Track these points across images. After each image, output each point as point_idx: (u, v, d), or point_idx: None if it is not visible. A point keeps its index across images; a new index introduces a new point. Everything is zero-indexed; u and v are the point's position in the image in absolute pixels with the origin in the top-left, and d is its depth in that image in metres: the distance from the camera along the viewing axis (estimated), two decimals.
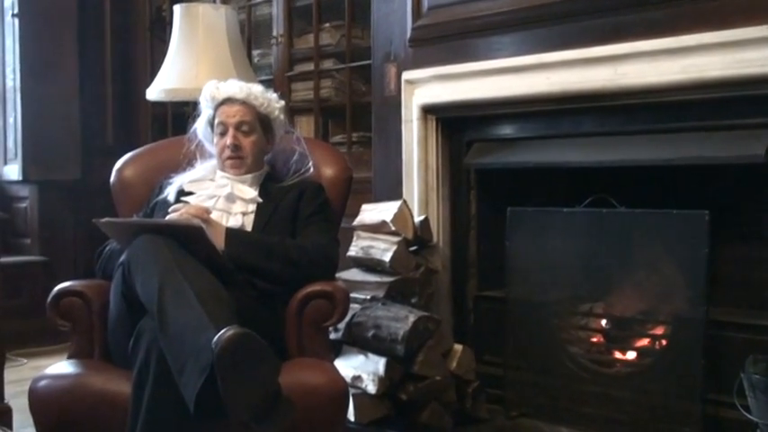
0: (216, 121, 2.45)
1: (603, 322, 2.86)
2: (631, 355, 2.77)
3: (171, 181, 2.46)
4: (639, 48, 2.55)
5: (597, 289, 2.83)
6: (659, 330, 2.72)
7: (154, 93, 3.85)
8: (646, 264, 2.70)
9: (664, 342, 2.68)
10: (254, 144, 2.45)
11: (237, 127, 2.43)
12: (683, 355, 2.55)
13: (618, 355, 2.80)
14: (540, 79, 2.78)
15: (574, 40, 2.71)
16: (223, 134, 2.44)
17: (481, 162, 3.09)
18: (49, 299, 2.24)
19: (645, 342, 2.75)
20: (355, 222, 3.01)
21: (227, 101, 2.45)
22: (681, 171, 2.61)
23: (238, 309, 1.93)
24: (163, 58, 3.94)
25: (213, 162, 2.51)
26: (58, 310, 2.23)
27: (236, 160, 2.42)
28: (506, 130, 3.05)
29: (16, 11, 4.51)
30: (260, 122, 2.47)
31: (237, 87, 2.47)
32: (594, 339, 2.87)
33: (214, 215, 2.29)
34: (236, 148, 2.41)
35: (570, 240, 2.83)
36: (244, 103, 2.44)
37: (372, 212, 2.99)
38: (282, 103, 2.55)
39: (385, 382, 2.64)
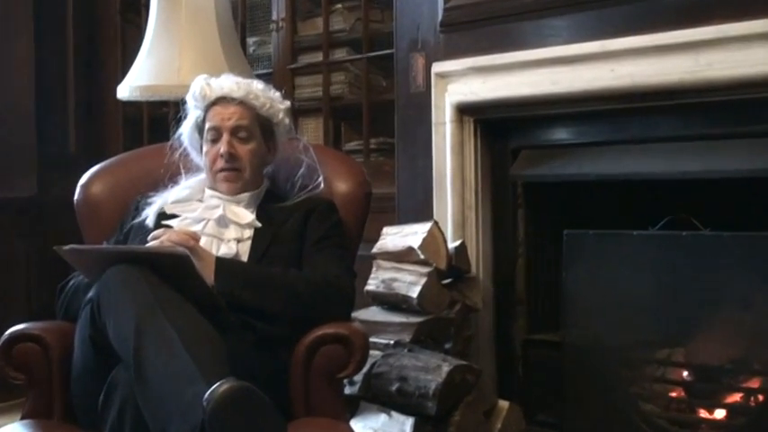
0: (207, 125, 2.47)
1: (685, 373, 2.85)
2: (720, 413, 2.74)
3: (150, 201, 2.48)
4: (727, 32, 2.54)
5: (676, 331, 2.82)
6: (755, 383, 2.69)
7: (126, 91, 3.88)
8: (737, 299, 2.68)
9: (760, 397, 2.66)
10: (253, 154, 2.47)
11: (233, 132, 2.44)
12: None
13: (703, 413, 2.78)
14: (604, 71, 2.79)
15: (645, 22, 2.71)
16: (215, 140, 2.45)
17: (531, 174, 3.09)
18: None
19: (737, 397, 2.73)
20: (375, 249, 3.02)
21: (221, 100, 2.47)
22: None
23: (233, 357, 1.95)
24: (137, 49, 3.98)
25: (201, 177, 2.53)
26: (9, 360, 2.25)
27: (230, 173, 2.44)
28: (561, 135, 3.05)
29: None
30: (260, 127, 2.49)
31: (234, 83, 2.49)
32: (674, 394, 2.85)
33: (203, 242, 2.31)
34: (231, 157, 2.43)
35: (642, 271, 2.83)
36: (241, 103, 2.47)
37: (396, 237, 3.00)
38: (287, 103, 2.58)
39: None
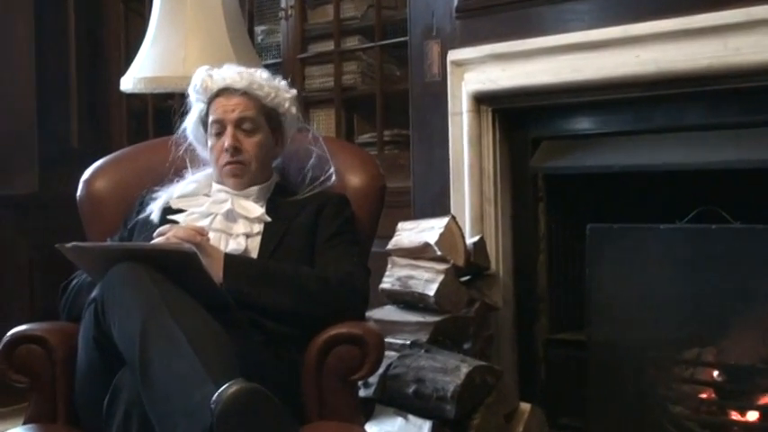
0: (210, 118, 2.47)
1: (715, 373, 2.84)
2: (752, 415, 2.74)
3: (155, 196, 2.49)
4: (757, 14, 2.54)
5: (706, 329, 2.81)
6: None
7: (130, 82, 3.88)
8: None
9: None
10: (260, 146, 2.47)
11: (237, 124, 2.44)
12: None
13: (735, 415, 2.77)
14: (628, 57, 2.78)
15: (671, 5, 2.70)
16: (219, 134, 2.46)
17: (552, 166, 3.09)
18: None
19: None
20: (390, 245, 3.02)
21: (224, 92, 2.47)
22: None
23: (242, 357, 1.95)
24: (141, 39, 3.98)
25: (208, 171, 2.54)
26: (11, 362, 2.25)
27: (236, 166, 2.44)
28: (584, 125, 3.05)
29: None
30: (266, 118, 2.49)
31: (236, 74, 2.49)
32: (703, 395, 2.84)
33: (210, 237, 2.31)
34: (236, 151, 2.43)
35: (670, 266, 2.82)
36: (245, 93, 2.46)
37: (412, 232, 3.00)
38: (294, 92, 2.57)
39: None
